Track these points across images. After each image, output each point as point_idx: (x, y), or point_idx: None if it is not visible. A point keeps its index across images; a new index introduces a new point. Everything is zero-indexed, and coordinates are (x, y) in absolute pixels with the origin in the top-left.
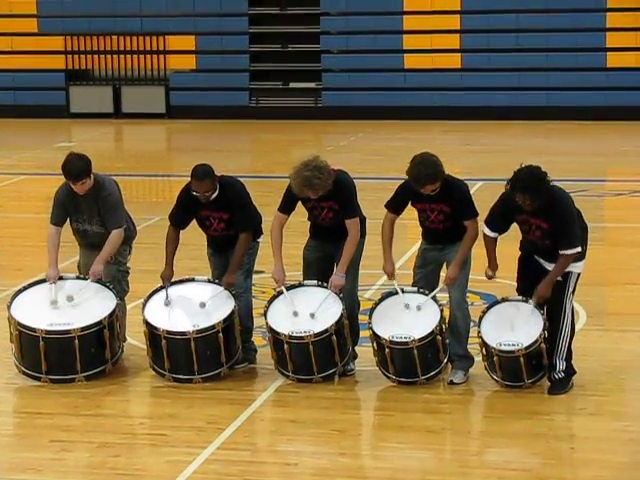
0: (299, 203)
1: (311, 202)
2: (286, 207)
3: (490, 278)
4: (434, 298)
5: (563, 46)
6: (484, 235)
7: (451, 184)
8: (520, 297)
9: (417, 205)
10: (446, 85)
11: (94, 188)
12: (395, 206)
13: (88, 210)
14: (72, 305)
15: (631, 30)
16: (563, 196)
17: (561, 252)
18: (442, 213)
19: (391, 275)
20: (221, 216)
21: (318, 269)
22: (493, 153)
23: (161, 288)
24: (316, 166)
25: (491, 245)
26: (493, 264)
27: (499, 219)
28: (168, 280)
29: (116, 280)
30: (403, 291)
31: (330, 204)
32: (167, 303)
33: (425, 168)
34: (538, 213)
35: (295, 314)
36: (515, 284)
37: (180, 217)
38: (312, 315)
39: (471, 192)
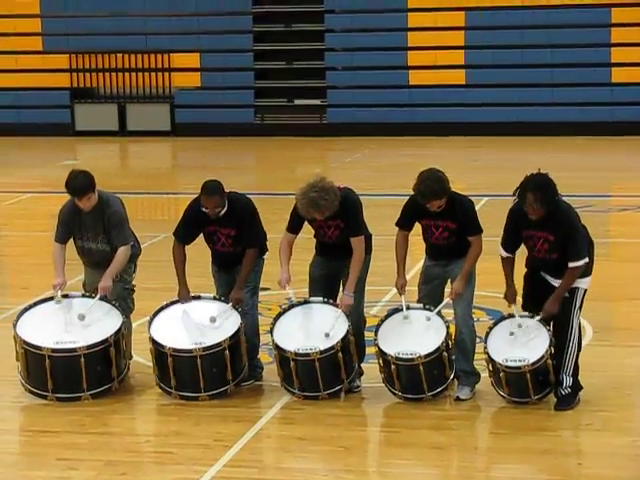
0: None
1: (317, 221)
2: (294, 226)
3: (510, 304)
4: (439, 314)
5: (568, 62)
6: (501, 258)
7: (456, 200)
8: (526, 313)
9: (422, 221)
10: (450, 101)
11: (99, 205)
12: (404, 223)
13: (93, 228)
14: (83, 325)
15: (636, 45)
16: (569, 209)
17: (570, 265)
18: (447, 230)
19: (402, 289)
20: (229, 232)
21: (324, 286)
22: (498, 169)
23: (169, 304)
24: (322, 187)
25: (508, 267)
26: (512, 290)
27: (511, 236)
28: (186, 300)
29: (122, 298)
30: (408, 307)
31: (337, 222)
32: (212, 320)
33: (432, 183)
34: (544, 225)
35: (303, 331)
36: (521, 300)
37: (186, 232)
38: (327, 335)
39: (476, 208)
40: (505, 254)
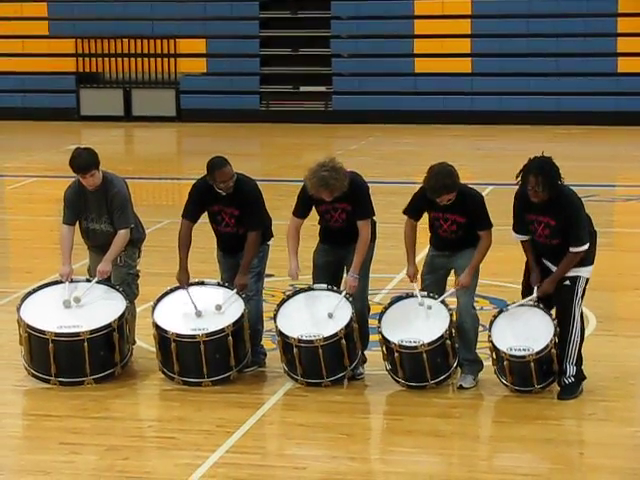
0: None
1: (324, 204)
2: (301, 211)
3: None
4: (443, 302)
5: (574, 51)
6: (521, 243)
7: (467, 194)
8: (532, 302)
9: (431, 213)
10: (456, 89)
11: (103, 185)
12: (412, 212)
13: (97, 208)
14: (79, 306)
15: None
16: (573, 194)
17: (570, 249)
18: (455, 223)
19: (413, 278)
20: (232, 212)
21: (328, 273)
22: (503, 158)
23: (173, 290)
24: (333, 167)
25: (529, 250)
26: (537, 274)
27: (521, 220)
28: (186, 283)
29: (126, 283)
30: (413, 295)
31: (344, 205)
32: (198, 313)
33: (443, 178)
34: (546, 210)
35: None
36: (521, 288)
37: (194, 210)
38: (330, 315)
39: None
40: (521, 237)
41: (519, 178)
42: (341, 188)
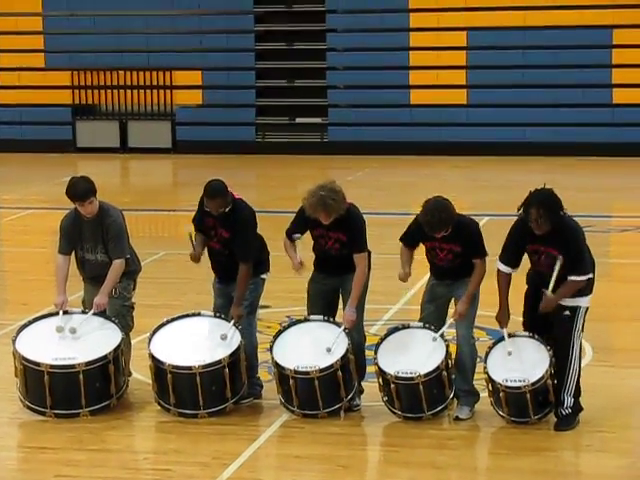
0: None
1: (319, 228)
2: (293, 231)
3: (501, 327)
4: (442, 335)
5: (569, 82)
6: (498, 273)
7: (462, 223)
8: (527, 333)
9: (427, 244)
10: (452, 121)
11: (99, 215)
12: (408, 241)
13: (92, 237)
14: (74, 337)
15: (637, 67)
16: (575, 225)
17: (570, 277)
18: (452, 252)
19: (405, 278)
20: (222, 233)
21: (323, 302)
22: (499, 189)
23: (170, 321)
24: (332, 189)
25: (504, 284)
26: (505, 310)
27: (512, 251)
28: (198, 257)
29: (121, 315)
30: (408, 326)
31: (338, 235)
32: (224, 337)
33: (439, 213)
34: (549, 241)
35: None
36: (522, 319)
37: (199, 220)
38: (329, 350)
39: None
40: (504, 268)
41: (521, 210)
42: (338, 210)
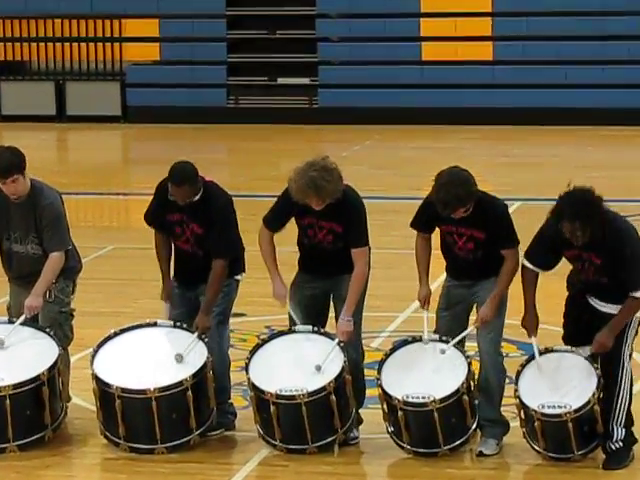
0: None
1: (308, 217)
2: (275, 219)
3: (529, 335)
4: (457, 345)
5: (620, 33)
6: (522, 269)
7: (486, 203)
8: (568, 347)
9: (442, 227)
10: (474, 81)
11: (31, 196)
12: (421, 225)
13: (23, 224)
14: (5, 355)
15: None
16: (622, 223)
17: (631, 294)
18: (473, 240)
19: (425, 302)
20: (194, 228)
21: (310, 311)
22: (533, 166)
23: (118, 333)
24: (324, 167)
25: (530, 284)
26: (531, 314)
27: (542, 251)
28: (169, 298)
29: (57, 324)
30: (420, 339)
31: (332, 225)
32: (179, 359)
33: (455, 188)
34: (590, 246)
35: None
36: (561, 330)
37: (157, 217)
38: (318, 368)
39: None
40: (530, 266)
41: (552, 219)
42: (333, 193)
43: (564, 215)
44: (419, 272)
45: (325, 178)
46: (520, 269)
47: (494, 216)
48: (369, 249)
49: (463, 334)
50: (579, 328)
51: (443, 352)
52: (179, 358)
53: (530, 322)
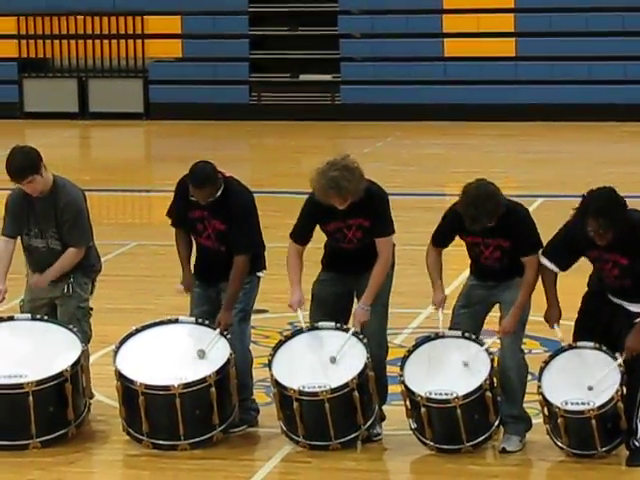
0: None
1: (334, 221)
2: (302, 232)
3: (552, 327)
4: (482, 343)
5: None
6: (541, 267)
7: (511, 212)
8: (592, 344)
9: (467, 239)
10: (497, 78)
11: (52, 192)
12: (440, 239)
13: (44, 219)
14: (20, 350)
15: None
16: None
17: None
18: (499, 249)
19: (439, 305)
20: (216, 225)
21: (333, 309)
22: (556, 162)
23: (140, 330)
24: (345, 166)
25: (549, 282)
26: (554, 307)
27: (562, 250)
28: (190, 287)
29: (75, 319)
30: (443, 335)
31: (360, 221)
32: (201, 355)
33: (484, 203)
34: (613, 246)
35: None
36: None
37: (178, 214)
38: (333, 360)
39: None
40: (549, 264)
41: (576, 216)
42: (356, 193)
43: (589, 212)
44: (432, 279)
45: (347, 177)
46: (540, 269)
47: (517, 223)
48: (393, 245)
49: (491, 341)
50: (595, 322)
51: (466, 365)
52: (201, 354)
53: (552, 314)
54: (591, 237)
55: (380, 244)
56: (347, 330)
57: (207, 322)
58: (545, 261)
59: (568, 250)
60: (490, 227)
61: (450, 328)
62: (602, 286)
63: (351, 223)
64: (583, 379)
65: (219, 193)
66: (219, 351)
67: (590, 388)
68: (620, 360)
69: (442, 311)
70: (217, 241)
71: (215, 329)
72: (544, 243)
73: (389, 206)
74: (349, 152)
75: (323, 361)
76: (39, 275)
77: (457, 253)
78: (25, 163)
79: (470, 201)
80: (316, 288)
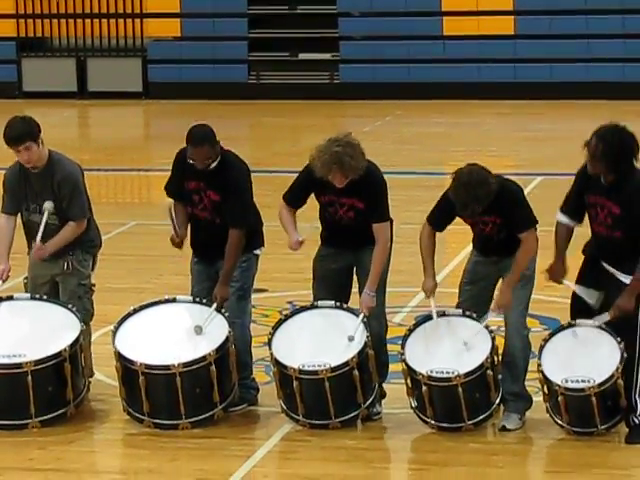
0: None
1: (328, 195)
2: (295, 196)
3: (555, 281)
4: (483, 320)
5: None
6: (557, 223)
7: (502, 190)
8: (591, 321)
9: (464, 219)
10: (496, 56)
11: (48, 166)
12: (437, 221)
13: (41, 194)
14: (19, 329)
15: None
16: None
17: None
18: (495, 225)
19: (430, 293)
20: (211, 195)
21: (334, 285)
22: (555, 140)
23: (139, 309)
24: (348, 142)
25: (562, 237)
26: (559, 264)
27: (574, 199)
28: (181, 242)
29: (76, 297)
30: (444, 314)
31: (353, 201)
32: (198, 331)
33: (474, 189)
34: (610, 193)
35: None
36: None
37: (177, 187)
38: (351, 338)
39: (527, 190)
40: (563, 219)
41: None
42: (357, 170)
43: (596, 132)
44: (424, 262)
45: (349, 154)
46: (555, 226)
47: (509, 201)
48: (392, 222)
49: (487, 318)
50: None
51: (465, 344)
52: (198, 330)
53: (555, 270)
54: (589, 169)
55: (377, 230)
56: (347, 308)
57: (204, 301)
58: (560, 216)
59: (578, 197)
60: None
61: (457, 305)
62: (595, 241)
63: (344, 202)
64: (583, 357)
65: (216, 163)
66: (218, 329)
67: (589, 366)
68: (606, 317)
69: (434, 299)
70: (212, 212)
71: (211, 306)
72: (548, 222)
73: (386, 191)
74: (349, 131)
75: (323, 340)
76: (40, 244)
77: (457, 230)
78: (24, 129)
79: (461, 187)
80: (317, 265)
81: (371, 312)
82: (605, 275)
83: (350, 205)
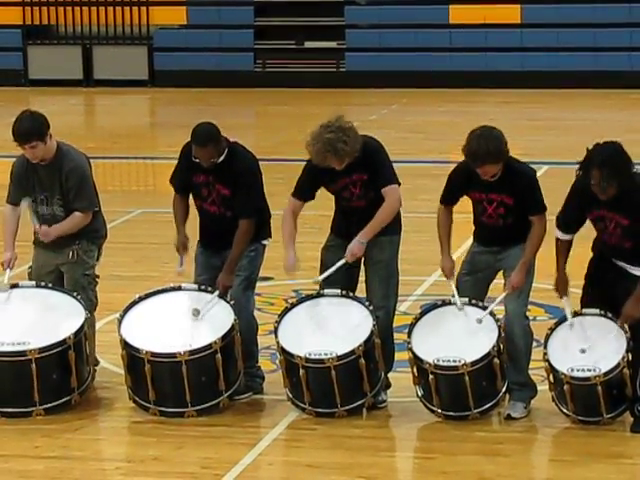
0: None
1: (339, 180)
2: (303, 190)
3: (560, 294)
4: (491, 312)
5: None
6: (556, 240)
7: (515, 170)
8: (597, 311)
9: (473, 194)
10: (502, 45)
11: (56, 158)
12: (449, 197)
13: (48, 186)
14: (24, 316)
15: None
16: None
17: None
18: (502, 205)
19: (449, 273)
20: (220, 190)
21: (341, 275)
22: (562, 130)
23: (145, 297)
24: (340, 127)
25: (563, 250)
26: (562, 278)
27: (571, 216)
28: (184, 248)
29: (80, 287)
30: (452, 299)
31: (361, 176)
32: (195, 313)
33: (486, 142)
34: (616, 206)
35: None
36: (581, 293)
37: (182, 180)
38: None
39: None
40: (562, 236)
41: (579, 172)
42: (352, 153)
43: (593, 162)
44: (441, 243)
45: (341, 139)
46: (555, 242)
47: (523, 182)
48: (399, 200)
49: (497, 301)
50: (602, 289)
51: (480, 322)
52: (195, 312)
53: (559, 284)
54: (594, 191)
55: (386, 192)
56: (354, 297)
57: (209, 289)
58: (558, 233)
59: (575, 214)
60: (494, 183)
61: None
62: (605, 249)
63: (355, 179)
64: (589, 346)
65: (223, 157)
66: (224, 317)
67: (583, 351)
68: (625, 327)
69: (452, 282)
70: (222, 206)
71: (214, 292)
72: (552, 210)
73: (387, 156)
74: (354, 120)
75: (329, 329)
76: (47, 227)
77: (458, 224)
78: (32, 128)
79: (473, 138)
80: (324, 254)
81: (353, 259)
82: (614, 271)
83: (357, 181)
